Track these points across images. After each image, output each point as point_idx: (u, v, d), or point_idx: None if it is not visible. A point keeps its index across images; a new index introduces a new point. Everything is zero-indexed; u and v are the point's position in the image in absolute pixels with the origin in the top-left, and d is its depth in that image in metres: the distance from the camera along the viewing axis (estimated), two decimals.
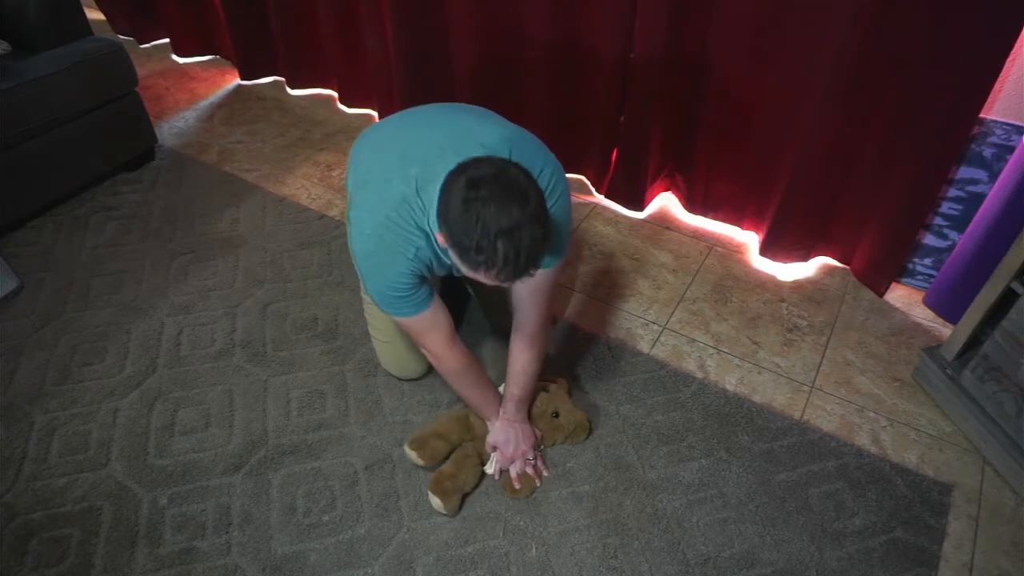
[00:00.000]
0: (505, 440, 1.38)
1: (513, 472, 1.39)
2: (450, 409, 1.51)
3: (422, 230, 1.14)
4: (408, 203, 1.13)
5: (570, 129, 2.10)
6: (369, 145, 1.32)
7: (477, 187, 0.97)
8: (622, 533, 1.32)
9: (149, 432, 1.48)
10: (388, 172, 1.17)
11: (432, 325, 1.26)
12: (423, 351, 1.34)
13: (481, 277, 1.03)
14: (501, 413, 1.40)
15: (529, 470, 1.39)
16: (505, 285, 1.07)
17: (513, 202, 0.96)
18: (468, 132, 1.19)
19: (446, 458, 1.40)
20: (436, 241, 1.12)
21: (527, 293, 1.27)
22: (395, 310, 1.23)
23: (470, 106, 1.35)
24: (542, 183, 1.16)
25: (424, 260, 1.17)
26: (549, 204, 1.16)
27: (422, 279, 1.20)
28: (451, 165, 1.04)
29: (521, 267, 1.00)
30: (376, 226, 1.15)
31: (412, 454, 1.39)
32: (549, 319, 1.39)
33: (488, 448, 1.40)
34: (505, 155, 1.12)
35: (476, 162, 1.01)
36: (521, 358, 1.35)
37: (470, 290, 1.69)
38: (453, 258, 1.05)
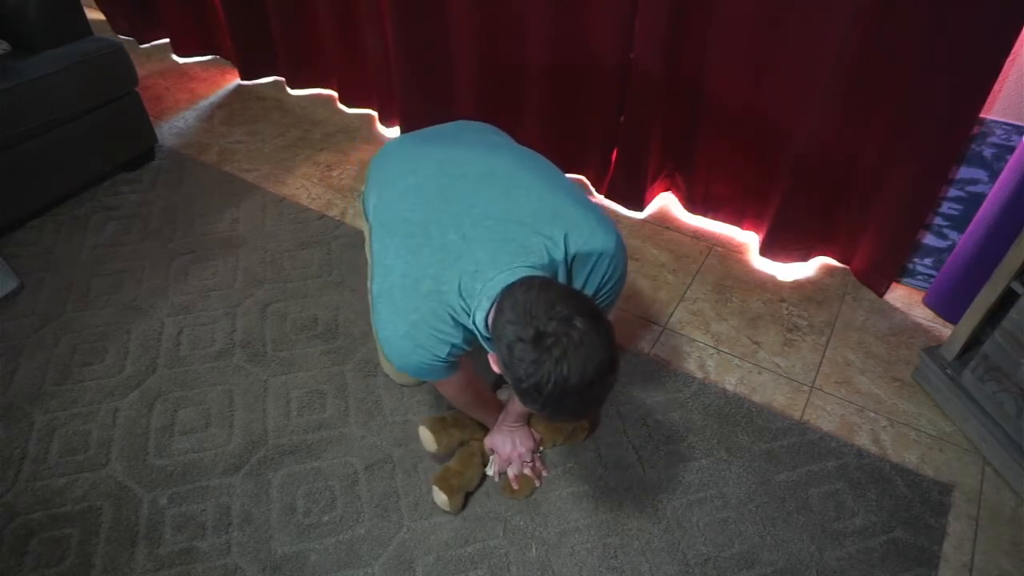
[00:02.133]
0: (502, 441, 1.38)
1: (511, 473, 1.39)
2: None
3: (461, 325, 1.06)
4: (449, 305, 1.04)
5: (570, 129, 2.10)
6: (399, 189, 1.17)
7: (545, 344, 0.89)
8: (622, 533, 1.32)
9: (149, 432, 1.48)
10: (427, 265, 1.06)
11: (448, 383, 1.22)
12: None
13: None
14: (500, 419, 1.40)
15: (527, 471, 1.39)
16: None
17: (587, 362, 0.89)
18: (519, 217, 1.07)
19: (451, 451, 1.40)
20: (480, 338, 1.06)
21: None
22: (419, 376, 1.18)
23: (508, 146, 1.25)
24: (600, 270, 1.10)
25: (458, 353, 1.11)
26: (608, 286, 1.12)
27: (452, 364, 1.14)
28: (502, 273, 0.99)
29: (585, 414, 0.98)
30: (410, 331, 1.06)
31: (428, 436, 1.35)
32: None
33: (486, 449, 1.41)
34: (560, 242, 1.05)
35: (540, 299, 0.92)
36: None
37: None
38: (508, 381, 0.99)
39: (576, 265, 1.09)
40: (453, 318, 1.05)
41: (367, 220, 1.31)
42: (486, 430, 1.43)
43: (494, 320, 0.96)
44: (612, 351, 0.93)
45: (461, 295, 1.03)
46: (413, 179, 1.17)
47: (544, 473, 1.41)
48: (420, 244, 1.08)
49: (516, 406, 1.37)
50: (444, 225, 1.07)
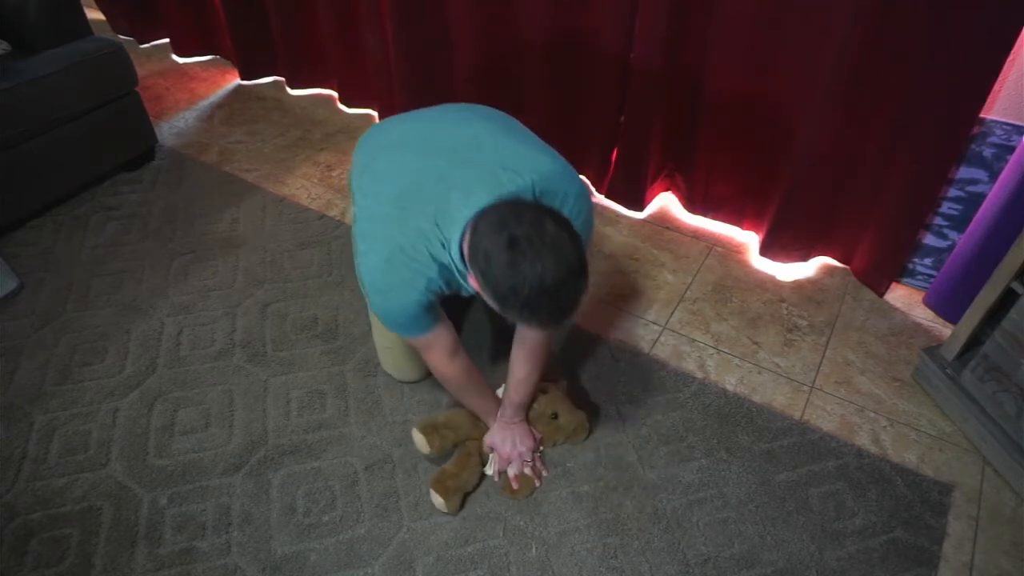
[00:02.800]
0: (502, 441, 1.39)
1: (511, 472, 1.39)
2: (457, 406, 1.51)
3: (437, 261, 1.13)
4: (424, 235, 1.11)
5: (570, 129, 2.10)
6: (380, 153, 1.29)
7: (519, 248, 0.95)
8: (622, 533, 1.33)
9: (149, 432, 1.48)
10: (403, 201, 1.15)
11: (434, 342, 1.26)
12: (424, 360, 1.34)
13: (519, 322, 1.05)
14: (499, 415, 1.40)
15: (527, 471, 1.39)
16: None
17: (559, 261, 0.96)
18: (487, 159, 1.16)
19: (449, 453, 1.40)
20: (457, 273, 1.12)
21: None
22: (400, 330, 1.24)
23: (484, 112, 1.33)
24: (567, 207, 1.16)
25: (435, 290, 1.15)
26: (576, 224, 1.15)
27: (430, 304, 1.19)
28: (473, 200, 1.05)
29: (562, 320, 1.01)
30: (388, 261, 1.13)
31: (421, 438, 1.37)
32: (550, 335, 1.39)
33: (485, 448, 1.41)
34: (528, 185, 1.12)
35: (511, 210, 1.00)
36: (522, 368, 1.35)
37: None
38: (487, 300, 1.04)
39: (542, 201, 1.15)
40: (428, 251, 1.11)
41: (352, 196, 1.35)
42: (482, 431, 1.42)
43: (470, 241, 1.03)
44: (582, 255, 1.00)
45: (438, 226, 1.11)
46: (394, 140, 1.29)
47: (544, 473, 1.41)
48: (399, 190, 1.18)
49: (513, 397, 1.37)
50: (421, 172, 1.18)
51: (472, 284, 1.07)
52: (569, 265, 0.97)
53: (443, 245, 1.11)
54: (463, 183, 1.11)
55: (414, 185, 1.16)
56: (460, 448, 1.40)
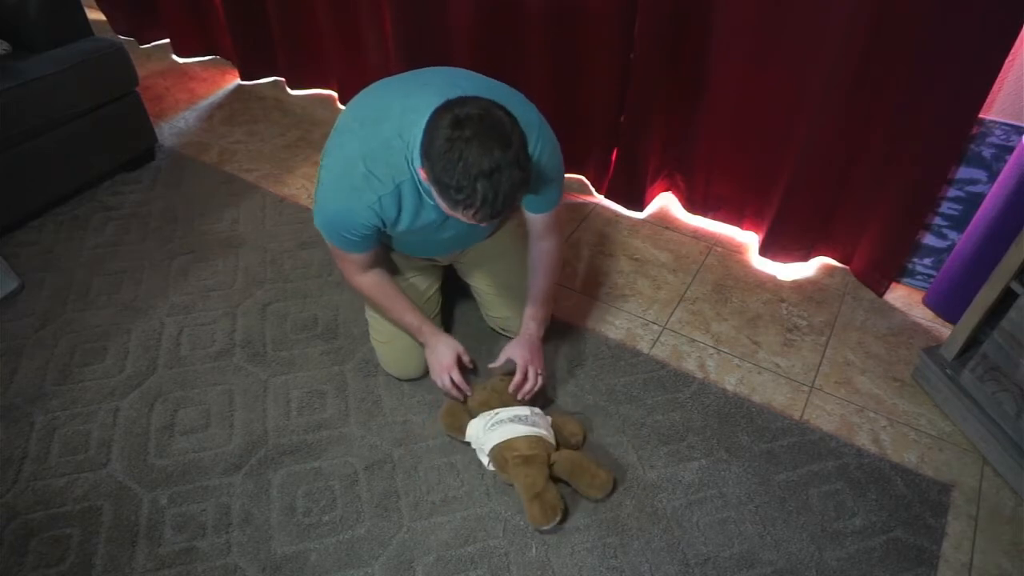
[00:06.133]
0: (522, 352, 1.42)
1: (525, 388, 1.40)
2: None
3: (395, 181, 1.16)
4: (389, 147, 1.15)
5: (570, 129, 2.10)
6: (353, 104, 1.33)
7: (462, 126, 0.98)
8: (622, 533, 1.33)
9: (149, 432, 1.48)
10: (367, 120, 1.20)
11: (353, 258, 1.33)
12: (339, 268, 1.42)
13: (459, 215, 1.06)
14: (522, 331, 1.46)
15: (538, 382, 1.42)
16: (482, 224, 1.09)
17: (495, 144, 0.99)
18: (447, 79, 1.22)
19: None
20: (419, 179, 1.15)
21: (541, 227, 1.38)
22: (330, 233, 1.27)
23: (457, 68, 1.38)
24: (531, 137, 1.18)
25: (377, 211, 1.19)
26: (534, 152, 1.19)
27: (373, 232, 1.25)
28: (433, 104, 1.06)
29: (498, 209, 1.02)
30: (349, 165, 1.17)
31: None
32: (561, 253, 1.47)
33: (503, 357, 1.44)
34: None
35: (462, 101, 1.03)
36: (538, 284, 1.43)
37: (468, 281, 1.68)
38: (433, 194, 1.08)
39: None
40: (389, 167, 1.15)
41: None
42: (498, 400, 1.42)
43: (423, 135, 1.05)
44: (522, 148, 1.02)
45: (401, 137, 1.15)
46: (366, 93, 1.31)
47: (544, 385, 1.46)
48: (363, 114, 1.23)
49: (534, 312, 1.44)
50: (385, 98, 1.23)
51: (422, 176, 1.09)
52: (505, 150, 0.99)
53: (407, 160, 1.15)
54: (426, 100, 1.11)
55: (378, 108, 1.21)
56: (520, 477, 1.32)
